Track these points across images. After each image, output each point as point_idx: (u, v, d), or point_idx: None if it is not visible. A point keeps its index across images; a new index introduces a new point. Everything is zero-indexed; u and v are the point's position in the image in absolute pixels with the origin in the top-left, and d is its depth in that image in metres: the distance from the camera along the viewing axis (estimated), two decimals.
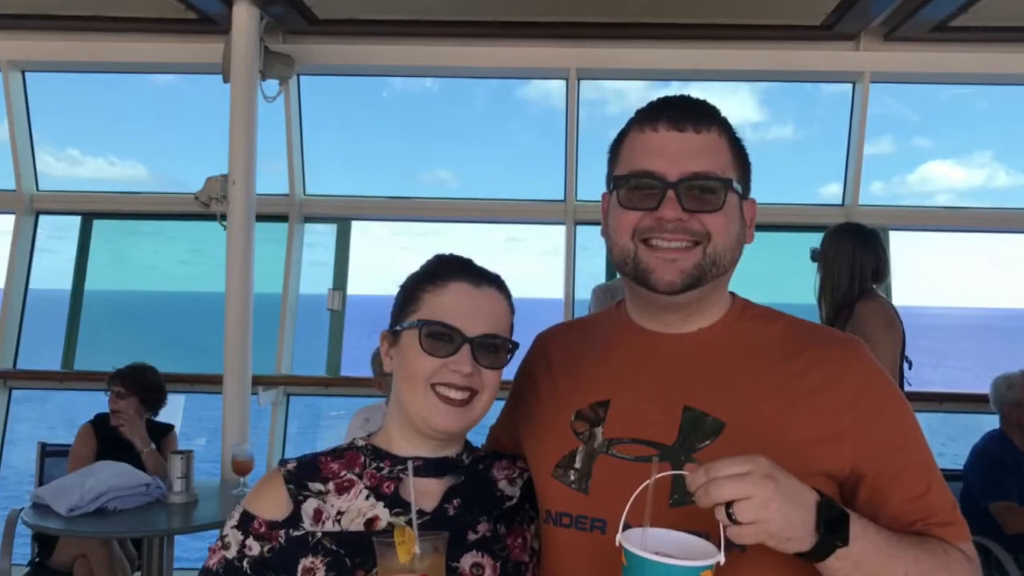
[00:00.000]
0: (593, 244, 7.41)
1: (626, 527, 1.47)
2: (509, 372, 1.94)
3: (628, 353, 1.88)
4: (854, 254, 4.74)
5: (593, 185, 6.77)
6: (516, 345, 1.86)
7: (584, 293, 6.56)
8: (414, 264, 1.94)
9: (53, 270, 8.34)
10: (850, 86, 7.14)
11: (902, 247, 7.43)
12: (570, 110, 7.15)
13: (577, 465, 1.80)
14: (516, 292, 1.92)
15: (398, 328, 1.85)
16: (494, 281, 1.87)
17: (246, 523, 1.78)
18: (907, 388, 4.76)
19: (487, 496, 1.89)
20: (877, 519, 1.61)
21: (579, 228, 7.36)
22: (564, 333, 2.11)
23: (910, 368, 4.84)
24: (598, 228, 1.93)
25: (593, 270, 7.43)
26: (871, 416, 1.69)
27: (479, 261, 1.90)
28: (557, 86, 7.29)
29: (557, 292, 7.41)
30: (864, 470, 1.68)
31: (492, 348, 1.80)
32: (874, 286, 4.77)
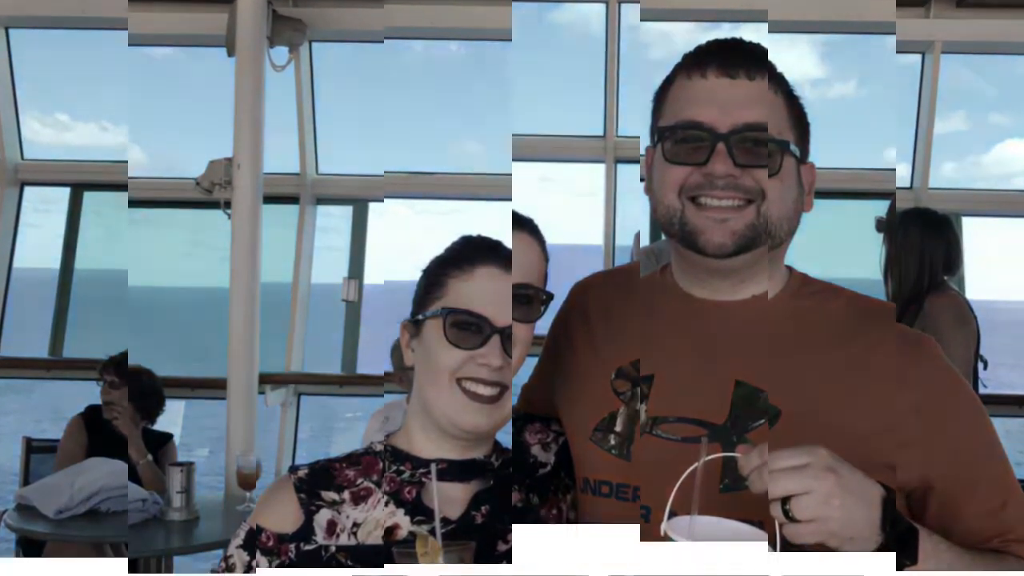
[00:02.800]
0: (637, 185, 7.33)
1: (672, 515, 1.46)
2: (543, 327, 1.92)
3: (674, 322, 1.87)
4: (923, 243, 4.70)
5: (635, 118, 6.66)
6: (550, 296, 1.82)
7: (625, 239, 6.48)
8: (438, 247, 1.90)
9: (39, 247, 8.38)
10: (919, 57, 7.06)
11: (977, 235, 7.37)
12: (610, 36, 7.07)
13: (618, 428, 1.80)
14: (550, 238, 1.89)
15: (420, 317, 1.81)
16: (526, 225, 1.84)
17: (252, 539, 1.77)
18: (982, 391, 4.75)
19: (519, 465, 1.88)
20: (949, 535, 1.59)
21: (620, 167, 7.26)
22: (604, 283, 2.10)
23: (985, 368, 4.81)
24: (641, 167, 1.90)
25: (636, 213, 7.30)
26: (941, 422, 1.68)
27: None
28: (596, 11, 7.21)
29: (596, 238, 7.36)
30: (934, 481, 1.67)
31: (524, 299, 1.76)
32: (945, 278, 4.72)
